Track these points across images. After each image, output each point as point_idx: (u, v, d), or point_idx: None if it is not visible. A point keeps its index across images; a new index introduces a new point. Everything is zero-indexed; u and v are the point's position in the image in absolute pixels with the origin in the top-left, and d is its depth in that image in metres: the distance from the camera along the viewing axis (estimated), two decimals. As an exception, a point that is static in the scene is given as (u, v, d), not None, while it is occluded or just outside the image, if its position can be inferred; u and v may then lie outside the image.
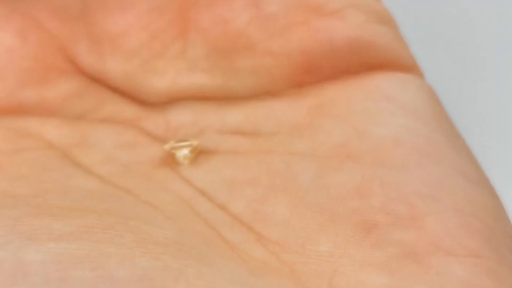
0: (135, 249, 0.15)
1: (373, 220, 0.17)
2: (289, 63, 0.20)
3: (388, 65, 0.20)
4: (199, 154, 0.19)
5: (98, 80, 0.20)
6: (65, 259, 0.15)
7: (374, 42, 0.20)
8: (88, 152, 0.19)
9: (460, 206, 0.17)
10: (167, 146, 0.19)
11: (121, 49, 0.20)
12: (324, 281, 0.16)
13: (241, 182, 0.18)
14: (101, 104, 0.20)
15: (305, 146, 0.19)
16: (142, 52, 0.20)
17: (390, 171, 0.17)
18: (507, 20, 0.41)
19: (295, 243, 0.17)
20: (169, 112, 0.20)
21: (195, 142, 0.19)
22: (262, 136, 0.19)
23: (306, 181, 0.18)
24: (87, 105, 0.20)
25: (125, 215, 0.16)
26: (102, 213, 0.16)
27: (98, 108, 0.20)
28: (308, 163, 0.18)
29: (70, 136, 0.19)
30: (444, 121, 0.19)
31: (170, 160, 0.19)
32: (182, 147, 0.19)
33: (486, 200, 0.17)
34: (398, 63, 0.20)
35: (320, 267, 0.16)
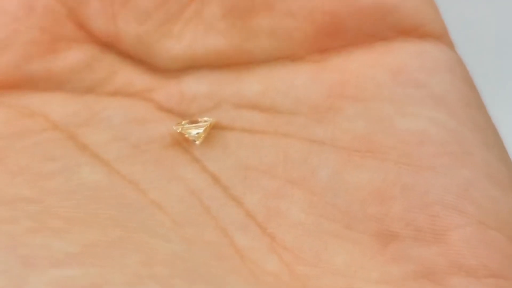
0: (141, 273, 0.14)
1: (393, 230, 0.16)
2: (311, 25, 0.18)
3: (417, 30, 0.18)
4: (213, 129, 0.18)
5: (109, 46, 0.19)
6: None
7: (402, 5, 0.18)
8: (96, 131, 0.18)
9: (484, 218, 0.16)
10: (177, 128, 0.18)
11: (134, 11, 0.19)
12: None
13: (257, 170, 0.17)
14: (111, 75, 0.19)
15: (326, 133, 0.17)
16: (156, 13, 0.19)
17: (414, 173, 0.16)
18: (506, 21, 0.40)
19: (310, 252, 0.16)
20: (184, 82, 0.19)
21: (206, 121, 0.18)
22: (280, 114, 0.18)
23: (325, 177, 0.17)
24: (96, 77, 0.19)
25: (130, 225, 0.16)
26: (106, 224, 0.15)
27: (108, 80, 0.19)
28: (328, 155, 0.17)
29: (77, 114, 0.18)
30: (474, 108, 0.18)
31: (181, 139, 0.18)
32: (192, 128, 0.18)
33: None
34: (427, 29, 0.18)
35: (334, 282, 0.15)
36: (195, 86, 0.19)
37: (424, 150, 0.17)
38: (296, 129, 0.18)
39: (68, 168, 0.17)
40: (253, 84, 0.18)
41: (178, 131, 0.18)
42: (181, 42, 0.19)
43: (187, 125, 0.18)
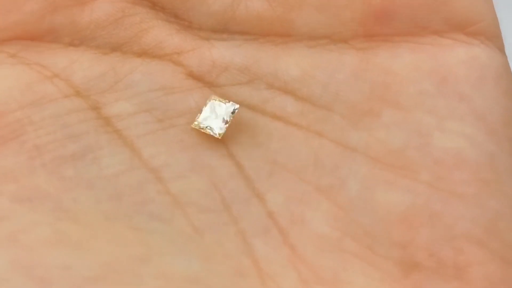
0: None
1: (416, 260, 0.16)
2: (362, 6, 0.17)
3: (469, 27, 0.17)
4: (242, 107, 0.17)
5: None
6: None
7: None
8: (120, 98, 0.17)
9: (507, 255, 0.16)
10: (196, 124, 0.17)
11: None
12: None
13: (285, 168, 0.17)
14: (140, 33, 0.18)
15: (360, 140, 0.17)
16: None
17: (444, 200, 0.16)
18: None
19: (329, 270, 0.16)
20: (216, 47, 0.18)
21: (230, 109, 0.17)
22: (315, 108, 0.17)
23: (354, 190, 0.16)
24: (124, 35, 0.18)
25: (149, 237, 0.15)
26: (125, 235, 0.15)
27: (137, 38, 0.18)
28: (360, 165, 0.17)
29: (101, 77, 0.17)
30: None
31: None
32: (214, 122, 0.17)
33: None
34: (479, 26, 0.17)
35: None
36: (229, 55, 0.18)
37: (457, 174, 0.16)
38: (330, 129, 0.17)
39: (89, 151, 0.16)
40: (292, 67, 0.17)
41: (197, 128, 0.17)
42: (223, 0, 0.18)
43: (203, 124, 0.17)
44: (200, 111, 0.17)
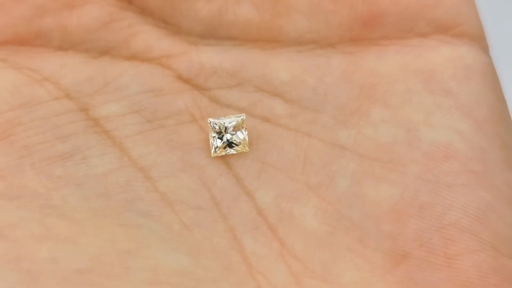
0: None
1: (406, 250, 0.16)
2: (350, 12, 0.18)
3: (454, 29, 0.18)
4: (230, 109, 0.17)
5: (131, 2, 0.18)
6: None
7: (439, 2, 0.18)
8: (109, 100, 0.17)
9: (498, 244, 0.16)
10: (214, 154, 0.17)
11: None
12: None
13: (274, 167, 0.17)
14: (129, 37, 0.18)
15: (349, 138, 0.17)
16: None
17: (433, 191, 0.16)
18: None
19: (319, 263, 0.16)
20: (204, 52, 0.18)
21: (233, 121, 0.17)
22: (304, 110, 0.17)
23: (343, 186, 0.16)
24: (113, 39, 0.18)
25: (137, 231, 0.15)
26: (114, 231, 0.15)
27: (126, 42, 0.18)
28: (349, 162, 0.17)
29: (91, 80, 0.17)
30: (500, 123, 0.17)
31: (199, 117, 0.17)
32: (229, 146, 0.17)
33: None
34: (464, 28, 0.18)
35: None
36: (217, 59, 0.18)
37: (446, 166, 0.16)
38: (319, 129, 0.17)
39: (78, 151, 0.16)
40: (281, 71, 0.18)
41: (215, 155, 0.17)
42: (211, 6, 0.18)
43: (223, 148, 0.17)
44: (210, 140, 0.17)
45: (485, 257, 0.16)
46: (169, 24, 0.18)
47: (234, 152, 0.17)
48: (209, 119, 0.17)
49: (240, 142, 0.17)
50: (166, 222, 0.16)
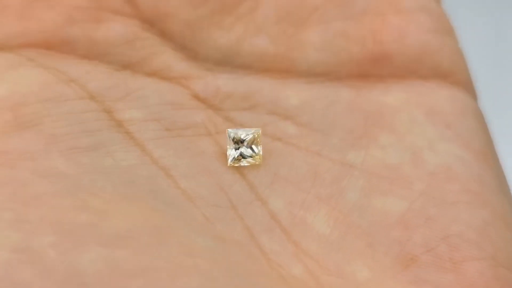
0: (185, 263, 0.15)
1: (414, 254, 0.17)
2: (360, 49, 0.19)
3: (450, 76, 0.19)
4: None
5: (154, 25, 0.19)
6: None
7: (442, 51, 0.19)
8: (131, 107, 0.18)
9: (498, 256, 0.17)
10: (232, 164, 0.18)
11: None
12: None
13: (285, 180, 0.18)
14: (150, 56, 0.19)
15: (357, 158, 0.18)
16: (212, 1, 0.19)
17: (438, 206, 0.17)
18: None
19: (333, 264, 0.16)
20: (221, 78, 0.19)
21: (250, 133, 0.18)
22: (314, 132, 0.18)
23: (352, 198, 0.17)
24: (135, 55, 0.19)
25: (166, 214, 0.16)
26: (144, 211, 0.16)
27: (147, 60, 0.19)
28: (357, 178, 0.18)
29: (114, 88, 0.18)
30: (492, 158, 0.19)
31: (214, 131, 0.18)
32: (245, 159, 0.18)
33: None
34: (458, 77, 0.20)
35: None
36: (232, 83, 0.19)
37: (449, 185, 0.18)
38: (328, 149, 0.18)
39: (103, 145, 0.17)
40: (292, 97, 0.19)
41: (231, 164, 0.18)
42: (229, 36, 0.19)
43: (240, 157, 0.18)
44: (228, 150, 0.18)
45: (487, 265, 0.17)
46: (187, 49, 0.19)
47: (248, 164, 0.18)
48: (228, 129, 0.18)
49: (255, 155, 0.18)
50: (190, 213, 0.16)
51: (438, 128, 0.18)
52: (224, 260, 0.15)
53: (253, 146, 0.18)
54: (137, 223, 0.15)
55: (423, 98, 0.19)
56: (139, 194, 0.16)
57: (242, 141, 0.18)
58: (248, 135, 0.18)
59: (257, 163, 0.18)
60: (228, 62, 0.19)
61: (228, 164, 0.18)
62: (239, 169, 0.18)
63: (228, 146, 0.18)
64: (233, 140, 0.18)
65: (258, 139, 0.18)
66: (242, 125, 0.18)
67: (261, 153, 0.18)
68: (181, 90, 0.18)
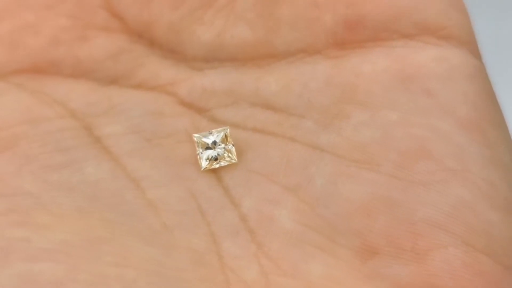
0: (108, 273, 0.15)
1: (374, 247, 0.16)
2: (333, 17, 0.18)
3: (440, 31, 0.18)
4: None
5: (140, 36, 0.19)
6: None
7: (428, 5, 0.18)
8: (112, 122, 0.18)
9: (473, 241, 0.15)
10: (206, 169, 0.18)
11: None
12: None
13: (259, 174, 0.17)
14: (137, 67, 0.19)
15: (328, 140, 0.17)
16: (190, 0, 0.19)
17: (404, 189, 0.16)
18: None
19: (290, 262, 0.16)
20: (207, 75, 0.19)
21: (218, 135, 0.18)
22: (291, 117, 0.18)
23: (319, 186, 0.17)
24: (122, 68, 0.19)
25: (118, 227, 0.16)
26: (94, 225, 0.16)
27: (134, 72, 0.19)
28: (327, 163, 0.17)
29: (97, 104, 0.18)
30: (488, 123, 0.17)
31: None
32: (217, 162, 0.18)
33: (509, 232, 0.16)
34: (451, 31, 0.18)
35: None
36: (218, 81, 0.18)
37: (421, 165, 0.16)
38: (302, 134, 0.18)
39: (75, 162, 0.17)
40: (271, 83, 0.18)
41: (206, 169, 0.18)
42: (211, 30, 0.19)
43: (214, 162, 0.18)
44: (198, 155, 0.18)
45: (456, 252, 0.15)
46: (176, 53, 0.19)
47: (224, 164, 0.18)
48: (194, 134, 0.18)
49: (229, 154, 0.18)
50: (147, 222, 0.16)
51: (416, 98, 0.17)
52: (160, 268, 0.15)
53: (226, 146, 0.18)
54: (76, 236, 0.15)
55: (404, 62, 0.18)
56: (97, 208, 0.16)
57: (214, 143, 0.18)
58: (218, 135, 0.18)
59: (233, 161, 0.18)
60: (214, 57, 0.19)
61: (202, 169, 0.17)
62: (216, 172, 0.18)
63: (197, 152, 0.18)
64: (201, 144, 0.18)
65: (229, 138, 0.18)
66: (224, 123, 0.18)
67: (233, 150, 0.18)
68: (166, 98, 0.19)
